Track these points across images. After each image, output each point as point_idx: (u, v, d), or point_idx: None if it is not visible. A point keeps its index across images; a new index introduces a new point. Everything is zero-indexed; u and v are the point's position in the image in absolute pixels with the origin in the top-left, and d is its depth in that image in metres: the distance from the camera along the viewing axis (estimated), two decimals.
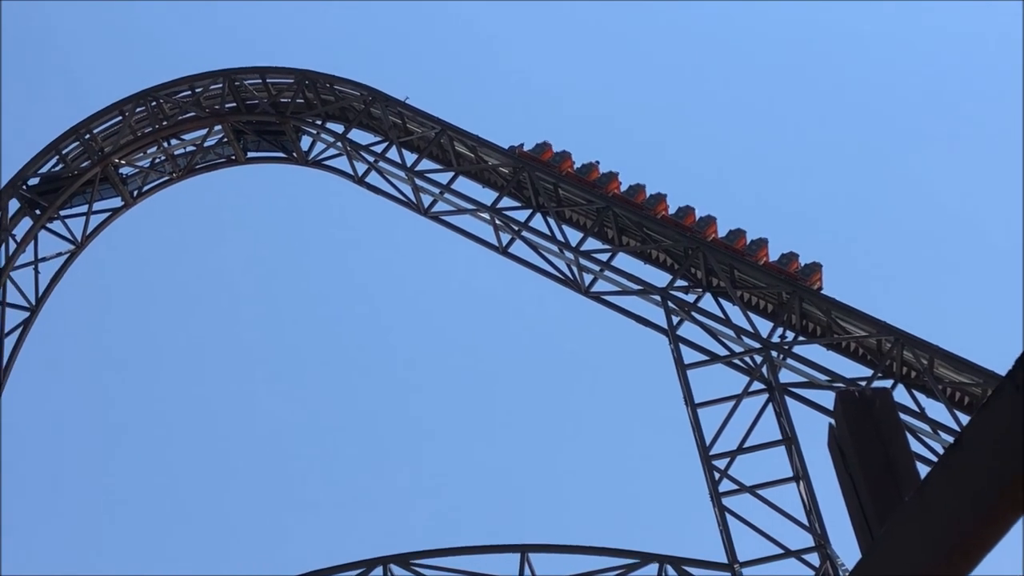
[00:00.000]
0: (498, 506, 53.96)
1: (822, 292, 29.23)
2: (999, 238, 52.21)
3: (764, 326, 28.72)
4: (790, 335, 28.78)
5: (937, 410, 27.14)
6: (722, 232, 30.48)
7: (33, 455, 54.16)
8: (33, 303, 34.56)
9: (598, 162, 31.80)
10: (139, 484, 55.22)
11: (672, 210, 30.98)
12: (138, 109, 35.35)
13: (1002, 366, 26.64)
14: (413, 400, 56.98)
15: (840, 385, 27.35)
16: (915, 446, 26.17)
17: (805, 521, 26.37)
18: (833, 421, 6.03)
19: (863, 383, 27.61)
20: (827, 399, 27.36)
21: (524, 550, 23.74)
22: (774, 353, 28.01)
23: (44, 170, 35.26)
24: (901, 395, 27.60)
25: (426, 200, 32.53)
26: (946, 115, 58.55)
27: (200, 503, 55.08)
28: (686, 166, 58.65)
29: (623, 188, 31.42)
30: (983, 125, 58.30)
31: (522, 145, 32.60)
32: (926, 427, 26.76)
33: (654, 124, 61.77)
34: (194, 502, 55.09)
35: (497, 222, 31.48)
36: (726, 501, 26.90)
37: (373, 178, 33.45)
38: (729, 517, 26.71)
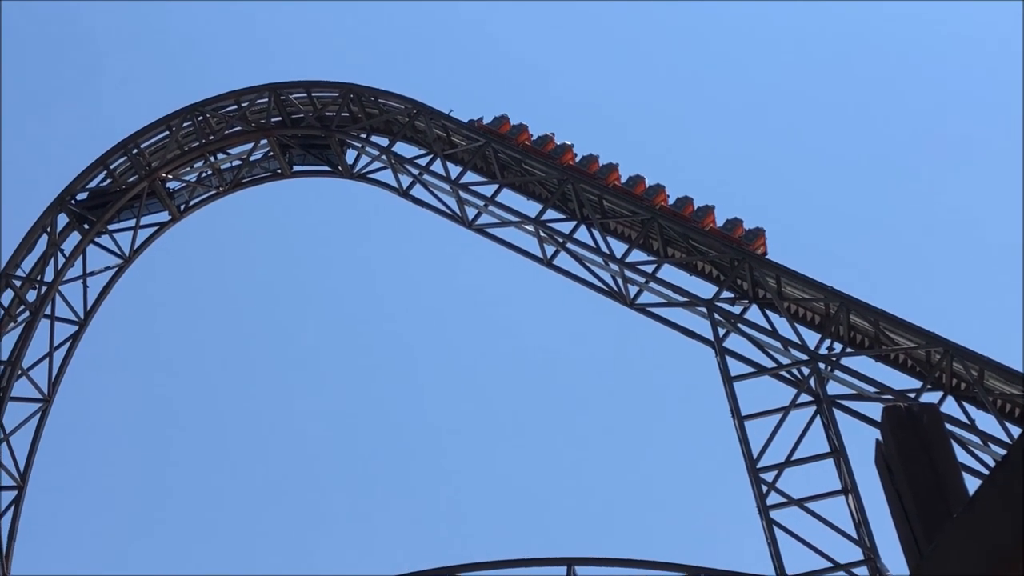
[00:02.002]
0: (541, 519, 53.84)
1: (767, 257, 29.70)
2: None
3: (811, 338, 28.51)
4: (838, 347, 28.53)
5: (987, 422, 26.84)
6: (671, 201, 30.99)
7: (81, 466, 54.56)
8: (82, 317, 34.86)
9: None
10: (179, 493, 55.50)
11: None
12: (185, 124, 35.60)
13: None
14: (456, 413, 57.00)
15: (889, 397, 27.08)
16: (965, 458, 25.87)
17: (854, 534, 26.11)
18: (880, 436, 5.95)
19: (912, 395, 27.33)
20: (875, 411, 27.13)
21: (571, 563, 23.60)
22: (822, 365, 27.78)
23: (92, 185, 35.57)
24: (951, 407, 27.34)
25: (471, 212, 32.56)
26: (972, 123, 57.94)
27: (232, 513, 55.29)
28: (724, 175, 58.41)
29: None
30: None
31: (481, 119, 33.43)
32: (976, 439, 26.45)
33: (695, 132, 61.56)
34: (227, 511, 55.32)
35: (542, 234, 31.44)
36: (774, 514, 26.68)
37: (418, 191, 33.54)
38: (777, 530, 26.49)
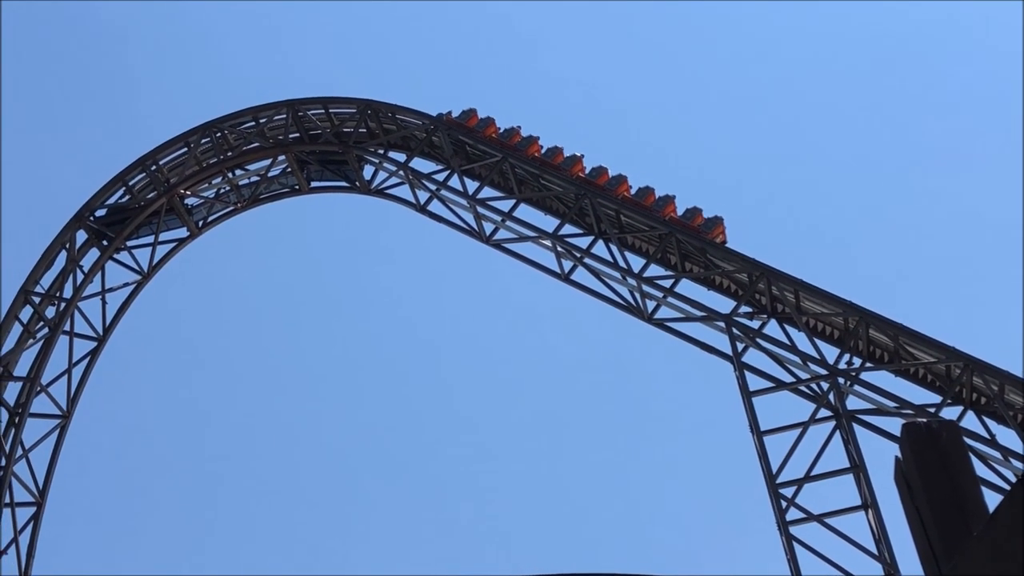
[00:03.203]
0: (558, 532, 53.68)
1: (727, 245, 30.14)
2: None
3: (830, 352, 28.39)
4: (857, 361, 28.41)
5: (1008, 436, 26.67)
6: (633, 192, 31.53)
7: (100, 482, 54.64)
8: (100, 333, 34.95)
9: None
10: (199, 510, 55.55)
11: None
12: (203, 140, 35.70)
13: None
14: (474, 427, 56.95)
15: (908, 412, 26.95)
16: (985, 473, 25.72)
17: (874, 550, 25.97)
18: (899, 453, 5.90)
19: (932, 410, 27.19)
20: (895, 426, 26.97)
21: None
22: (841, 380, 27.66)
23: (111, 201, 35.68)
24: (971, 421, 27.17)
25: (488, 228, 32.57)
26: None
27: (252, 529, 55.29)
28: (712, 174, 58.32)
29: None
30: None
31: (450, 112, 34.06)
32: (996, 454, 26.29)
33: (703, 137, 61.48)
34: (248, 527, 55.33)
35: (559, 249, 31.42)
36: (793, 530, 26.57)
37: (435, 206, 33.55)
38: (797, 546, 26.37)
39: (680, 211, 31.18)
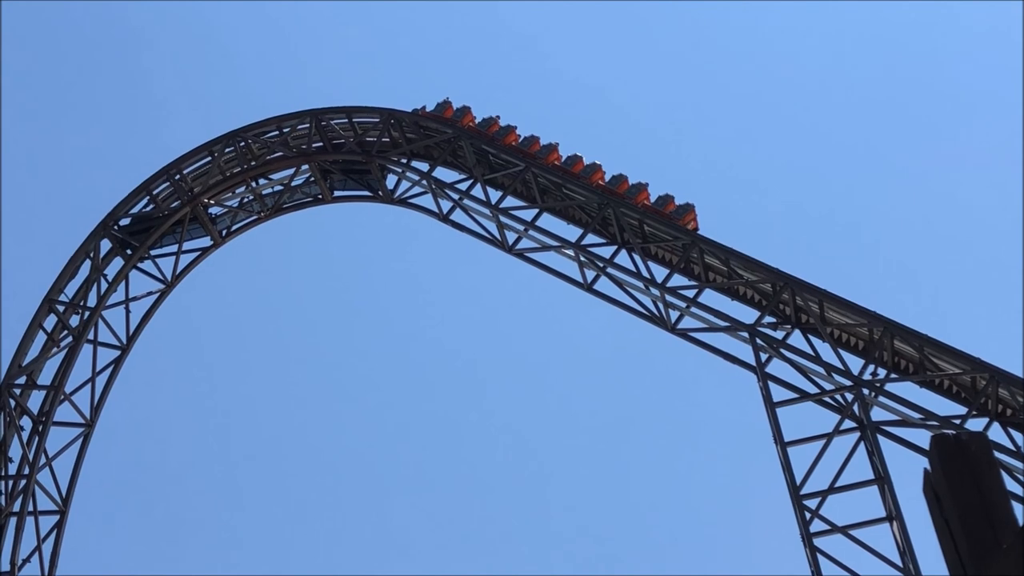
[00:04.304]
0: (582, 543, 53.54)
1: (697, 231, 30.66)
2: None
3: (855, 363, 28.25)
4: (882, 372, 28.26)
5: None
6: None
7: (123, 490, 54.74)
8: (124, 342, 35.04)
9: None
10: (222, 519, 55.61)
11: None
12: (227, 149, 35.78)
13: None
14: (497, 436, 56.90)
15: (933, 423, 26.79)
16: (1011, 486, 25.53)
17: (899, 562, 25.82)
18: (928, 465, 5.83)
19: (957, 421, 27.03)
20: (920, 437, 26.86)
21: None
22: (865, 391, 27.52)
23: (135, 210, 35.78)
24: (997, 433, 26.99)
25: (511, 237, 32.53)
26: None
27: (274, 534, 55.32)
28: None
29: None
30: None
31: (424, 107, 34.81)
32: (1023, 466, 26.10)
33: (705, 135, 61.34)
34: (271, 533, 55.35)
35: (582, 259, 31.35)
36: (818, 542, 26.44)
37: (458, 215, 33.55)
38: (821, 558, 26.24)
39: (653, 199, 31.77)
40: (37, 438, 33.60)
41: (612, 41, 63.93)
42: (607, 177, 32.52)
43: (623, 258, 31.08)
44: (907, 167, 59.42)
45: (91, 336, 34.66)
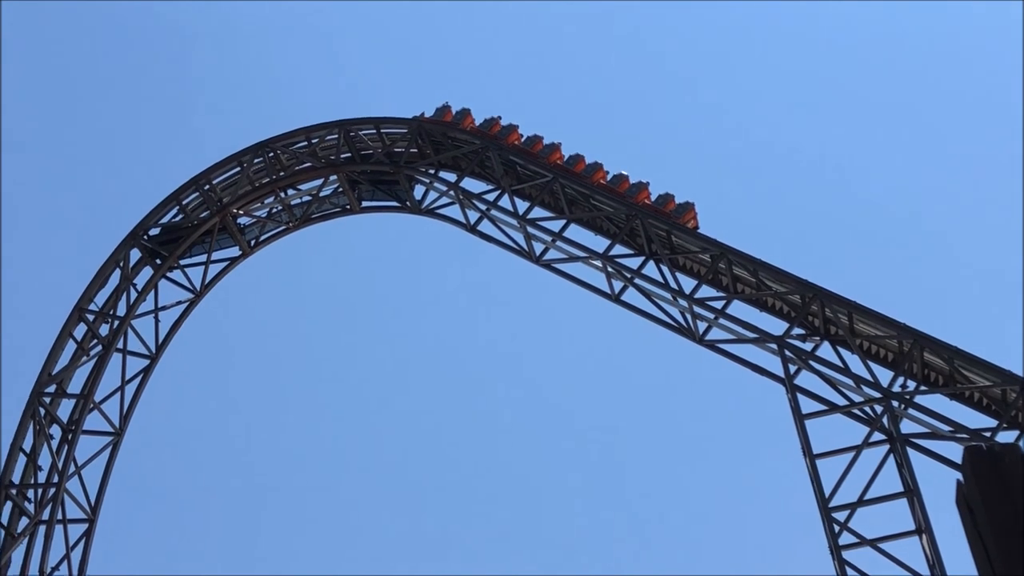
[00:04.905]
0: (610, 553, 53.42)
1: (698, 230, 30.93)
2: None
3: (884, 375, 28.10)
4: (911, 384, 28.10)
5: None
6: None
7: (152, 499, 54.91)
8: (153, 351, 35.19)
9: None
10: (252, 528, 55.72)
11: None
12: (256, 160, 35.92)
13: None
14: (523, 444, 56.82)
15: (964, 436, 26.60)
16: None
17: (928, 575, 25.64)
18: (961, 477, 5.79)
19: (987, 434, 26.83)
20: (950, 450, 26.70)
21: None
22: (895, 403, 27.36)
23: (164, 220, 35.95)
24: None
25: (538, 248, 32.52)
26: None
27: (309, 550, 55.38)
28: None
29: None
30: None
31: (423, 113, 35.07)
32: None
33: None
34: (299, 539, 55.41)
35: (610, 269, 31.32)
36: (846, 554, 26.31)
37: (485, 226, 33.57)
38: (850, 571, 26.11)
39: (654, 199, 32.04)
40: (67, 447, 33.76)
41: (612, 39, 63.96)
42: (608, 176, 32.69)
43: (651, 269, 31.06)
44: (934, 172, 59.15)
45: (120, 345, 34.83)
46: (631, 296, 31.19)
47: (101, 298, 35.16)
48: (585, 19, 63.03)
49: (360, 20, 66.33)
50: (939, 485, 26.30)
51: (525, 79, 65.46)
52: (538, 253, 32.50)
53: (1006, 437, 27.04)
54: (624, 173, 32.61)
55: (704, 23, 65.36)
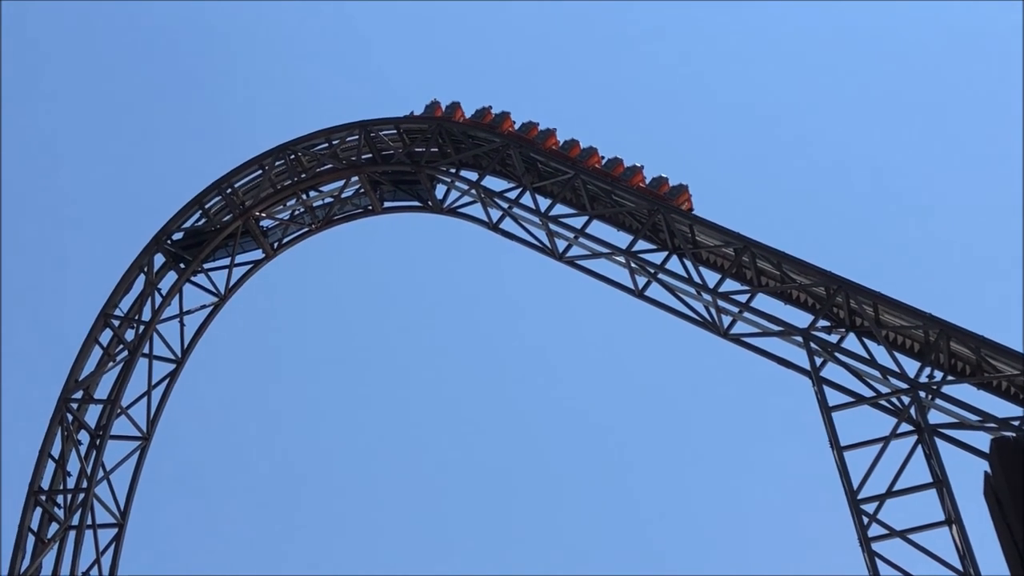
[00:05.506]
0: (636, 547, 53.37)
1: (692, 212, 31.19)
2: None
3: (911, 366, 27.98)
4: (938, 375, 27.96)
5: None
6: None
7: (180, 503, 55.12)
8: (179, 355, 35.30)
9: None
10: (281, 532, 55.85)
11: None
12: (277, 162, 35.98)
13: None
14: (551, 441, 56.81)
15: (991, 425, 26.41)
16: None
17: (959, 566, 25.49)
18: (988, 468, 5.71)
19: (1016, 423, 26.63)
20: (979, 440, 26.53)
21: None
22: (922, 393, 27.24)
23: (188, 224, 36.04)
24: None
25: (561, 245, 32.48)
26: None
27: (339, 553, 55.49)
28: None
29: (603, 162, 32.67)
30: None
31: (412, 112, 35.43)
32: None
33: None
34: (327, 545, 55.51)
35: (633, 265, 31.26)
36: (876, 546, 26.21)
37: (507, 224, 33.55)
38: (880, 563, 26.01)
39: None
40: (95, 452, 33.90)
41: (613, 37, 63.95)
42: (603, 161, 32.94)
43: (674, 264, 31.00)
44: (955, 159, 58.84)
45: (146, 350, 34.96)
46: (655, 291, 31.18)
47: (126, 303, 35.29)
48: (605, 17, 62.96)
49: (378, 20, 66.42)
50: (968, 475, 26.16)
51: (527, 76, 65.43)
52: (561, 250, 32.47)
53: None
54: (618, 158, 32.77)
55: (714, 20, 65.22)
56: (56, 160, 61.99)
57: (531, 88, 63.86)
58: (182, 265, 35.67)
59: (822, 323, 29.11)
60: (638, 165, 32.48)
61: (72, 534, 33.13)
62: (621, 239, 32.02)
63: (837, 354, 28.42)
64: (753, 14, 63.69)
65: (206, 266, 36.03)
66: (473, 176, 34.51)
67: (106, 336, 34.90)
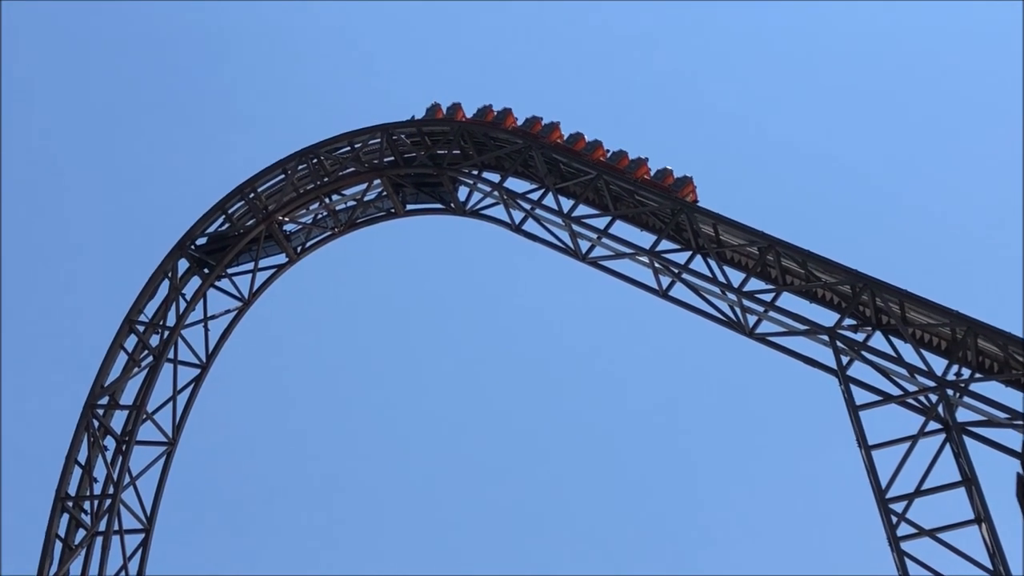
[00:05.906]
0: (661, 547, 53.25)
1: (699, 204, 31.24)
2: None
3: (938, 363, 27.80)
4: (965, 372, 27.79)
5: None
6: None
7: (207, 508, 55.24)
8: (204, 360, 35.40)
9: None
10: (305, 537, 55.87)
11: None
12: (300, 166, 36.03)
13: None
14: (577, 439, 56.75)
15: (1020, 423, 26.26)
16: None
17: (989, 565, 25.35)
18: (1020, 467, 5.62)
19: None
20: (1008, 438, 26.39)
21: None
22: (950, 391, 27.07)
23: (211, 229, 36.14)
24: None
25: (584, 246, 32.41)
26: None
27: (366, 557, 55.51)
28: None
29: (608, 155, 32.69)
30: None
31: (413, 117, 35.57)
32: None
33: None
34: (352, 549, 55.54)
35: (657, 265, 31.17)
36: (905, 545, 26.08)
37: (530, 225, 33.51)
38: (909, 562, 25.87)
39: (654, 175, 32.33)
40: (121, 458, 34.01)
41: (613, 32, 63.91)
42: (608, 155, 32.90)
43: (698, 263, 30.88)
44: (970, 157, 58.51)
45: (171, 355, 35.06)
46: (679, 291, 31.08)
47: (150, 309, 35.40)
48: (605, 17, 62.93)
49: (391, 22, 66.47)
50: (997, 473, 26.01)
51: (538, 74, 65.37)
52: (584, 251, 32.40)
53: None
54: (623, 150, 32.71)
55: (712, 20, 65.09)
56: (79, 167, 62.26)
57: (531, 88, 63.83)
58: (206, 270, 35.77)
59: (848, 321, 28.96)
60: (643, 157, 32.38)
61: (99, 540, 33.24)
62: (644, 239, 31.95)
63: (864, 352, 28.27)
64: (754, 14, 63.47)
65: (230, 271, 36.14)
66: (495, 178, 34.50)
67: (131, 342, 35.02)
